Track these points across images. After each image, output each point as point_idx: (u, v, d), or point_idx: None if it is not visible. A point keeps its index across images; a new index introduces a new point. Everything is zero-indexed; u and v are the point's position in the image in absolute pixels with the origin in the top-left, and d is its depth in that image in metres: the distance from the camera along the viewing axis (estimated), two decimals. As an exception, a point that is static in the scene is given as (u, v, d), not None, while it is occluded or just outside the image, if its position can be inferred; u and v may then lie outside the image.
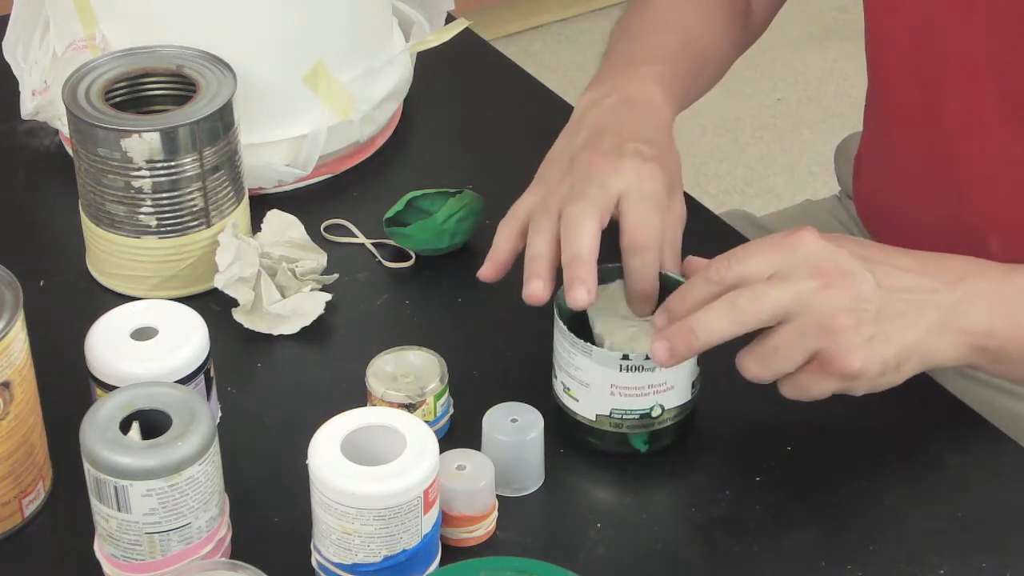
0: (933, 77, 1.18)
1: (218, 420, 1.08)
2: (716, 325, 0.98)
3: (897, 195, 1.27)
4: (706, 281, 0.99)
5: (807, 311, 0.97)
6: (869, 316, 0.98)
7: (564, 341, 1.03)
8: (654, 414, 1.04)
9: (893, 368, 1.00)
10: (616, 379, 1.02)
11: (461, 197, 1.22)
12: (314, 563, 0.97)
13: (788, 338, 0.97)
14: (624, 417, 1.03)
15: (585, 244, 1.02)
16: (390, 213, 1.23)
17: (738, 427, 1.09)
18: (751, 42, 1.36)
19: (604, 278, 1.05)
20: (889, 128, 1.27)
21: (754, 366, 0.99)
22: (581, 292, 1.01)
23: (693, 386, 1.05)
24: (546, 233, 1.04)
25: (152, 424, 0.94)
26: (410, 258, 1.24)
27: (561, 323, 1.04)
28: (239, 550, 0.99)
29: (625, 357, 1.01)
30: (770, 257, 0.98)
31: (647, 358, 1.01)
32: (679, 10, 1.26)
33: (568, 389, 1.05)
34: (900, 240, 1.09)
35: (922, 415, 1.10)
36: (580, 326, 1.04)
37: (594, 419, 1.04)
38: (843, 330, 0.97)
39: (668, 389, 1.03)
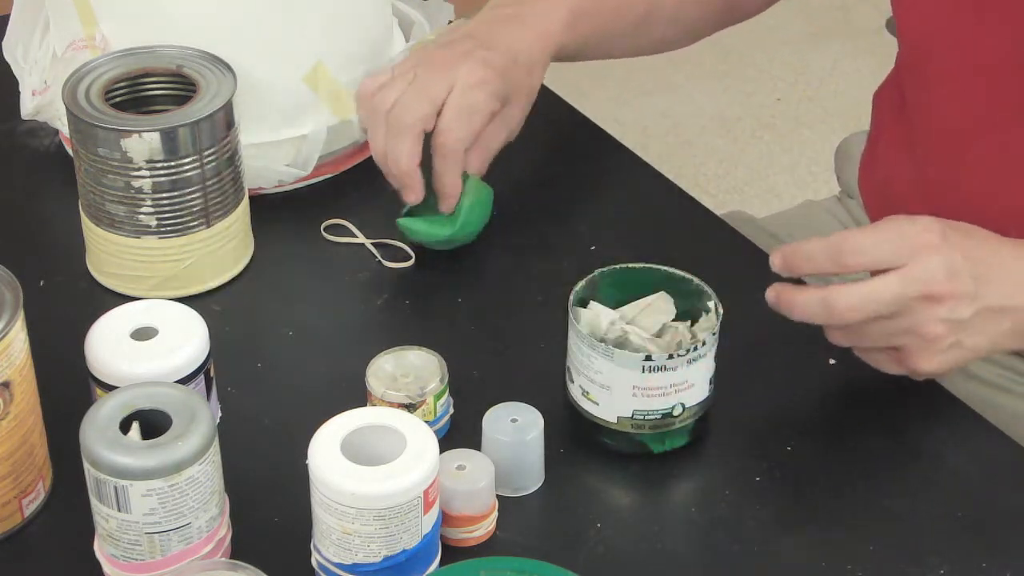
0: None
1: (218, 420, 1.08)
2: (811, 311, 1.03)
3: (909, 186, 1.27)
4: (833, 263, 1.02)
5: (908, 316, 1.01)
6: (959, 329, 1.02)
7: (582, 345, 1.03)
8: (675, 413, 1.04)
9: (958, 366, 1.05)
10: (638, 380, 1.02)
11: (471, 181, 1.22)
12: (314, 563, 0.97)
13: (883, 330, 1.02)
14: (646, 418, 1.03)
15: (403, 160, 1.16)
16: (403, 212, 1.22)
17: (738, 428, 1.09)
18: (736, 18, 1.37)
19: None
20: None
21: (840, 337, 1.05)
22: (411, 197, 1.18)
23: (710, 383, 1.05)
24: (382, 128, 1.18)
25: (152, 424, 0.94)
26: (410, 258, 1.24)
27: (578, 326, 1.03)
28: (239, 550, 0.99)
29: (648, 358, 1.01)
30: (896, 255, 1.01)
31: (669, 357, 1.01)
32: None
33: (587, 393, 1.04)
34: None
35: (922, 415, 1.10)
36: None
37: (615, 421, 1.04)
38: (933, 339, 1.02)
39: (689, 387, 1.03)
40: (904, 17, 1.23)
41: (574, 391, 1.06)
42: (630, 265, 1.08)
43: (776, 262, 1.05)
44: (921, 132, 1.25)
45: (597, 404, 1.04)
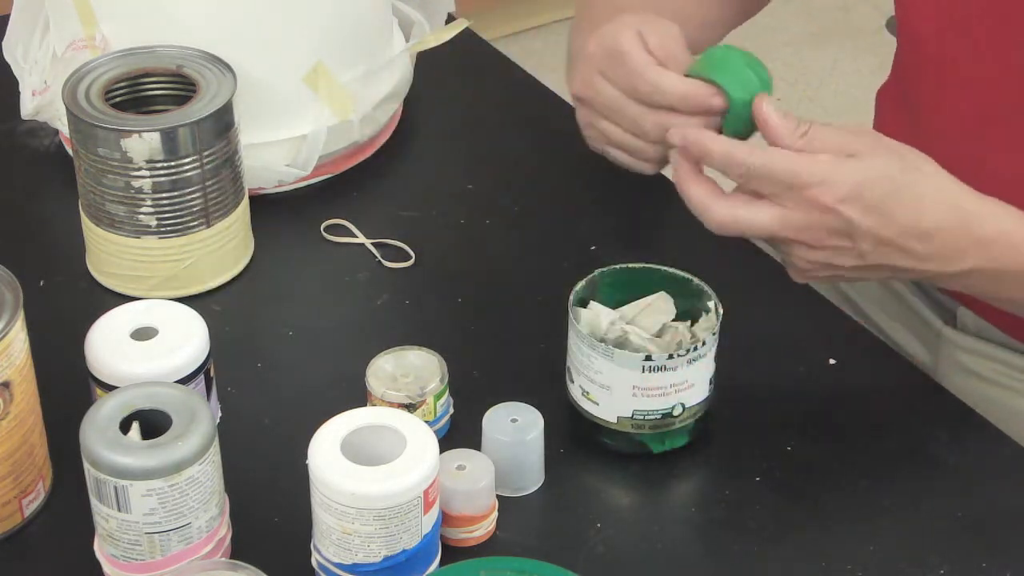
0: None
1: (218, 420, 1.08)
2: (709, 213, 1.02)
3: None
4: (725, 169, 1.01)
5: (782, 245, 1.02)
6: (834, 268, 1.01)
7: (582, 345, 1.03)
8: (675, 413, 1.04)
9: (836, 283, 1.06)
10: (638, 380, 1.02)
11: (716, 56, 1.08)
12: (314, 563, 0.97)
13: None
14: (646, 418, 1.03)
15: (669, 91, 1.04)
16: None
17: (738, 427, 1.09)
18: (755, 10, 1.36)
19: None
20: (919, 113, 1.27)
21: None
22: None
23: (710, 383, 1.05)
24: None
25: (152, 424, 0.94)
26: (410, 258, 1.24)
27: (578, 326, 1.03)
28: (239, 550, 0.99)
29: (648, 358, 1.01)
30: (786, 192, 0.99)
31: (669, 357, 1.01)
32: None
33: (587, 393, 1.04)
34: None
35: (922, 415, 1.10)
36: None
37: (615, 421, 1.04)
38: (802, 269, 1.02)
39: (689, 387, 1.03)
40: (911, 15, 1.23)
41: (574, 391, 1.06)
42: (630, 265, 1.08)
43: (675, 138, 1.02)
44: (926, 130, 1.25)
45: (597, 404, 1.04)
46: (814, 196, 0.98)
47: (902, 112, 1.29)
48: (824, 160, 0.99)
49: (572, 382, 1.06)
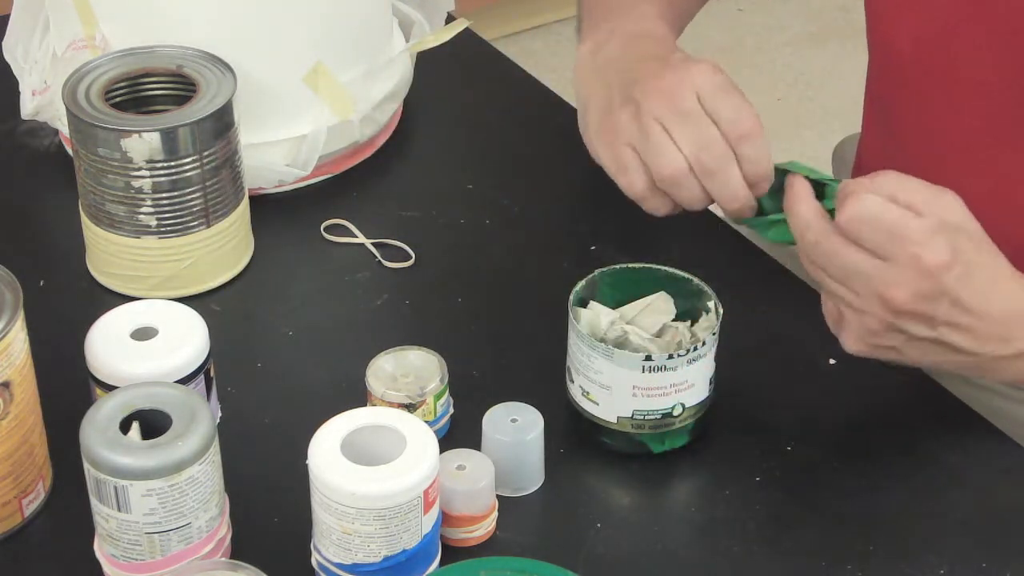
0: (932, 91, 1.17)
1: (218, 420, 1.08)
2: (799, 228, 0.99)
3: None
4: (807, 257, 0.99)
5: (861, 296, 0.98)
6: (903, 340, 0.99)
7: (582, 344, 1.03)
8: (675, 413, 1.04)
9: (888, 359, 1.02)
10: (638, 380, 1.02)
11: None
12: (314, 563, 0.97)
13: (836, 276, 0.99)
14: (646, 418, 1.03)
15: (746, 124, 1.02)
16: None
17: (738, 427, 1.09)
18: None
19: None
20: (892, 135, 1.27)
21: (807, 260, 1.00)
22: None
23: (710, 383, 1.05)
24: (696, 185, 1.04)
25: (152, 424, 0.94)
26: (410, 258, 1.24)
27: (578, 326, 1.03)
28: (239, 550, 0.99)
29: (648, 358, 1.01)
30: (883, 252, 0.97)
31: (669, 357, 1.01)
32: None
33: (587, 393, 1.04)
34: None
35: (922, 415, 1.10)
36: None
37: (615, 421, 1.04)
38: (871, 331, 0.99)
39: (689, 387, 1.03)
40: (891, 33, 1.22)
41: (574, 391, 1.06)
42: (630, 265, 1.08)
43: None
44: (905, 144, 1.24)
45: (597, 404, 1.04)
46: (916, 255, 0.96)
47: (882, 126, 1.29)
48: (930, 222, 0.96)
49: (572, 382, 1.06)
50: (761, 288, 1.18)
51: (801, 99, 3.08)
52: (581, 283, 1.06)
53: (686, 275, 1.07)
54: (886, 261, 0.97)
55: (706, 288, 1.06)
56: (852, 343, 1.01)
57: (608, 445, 1.05)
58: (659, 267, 1.08)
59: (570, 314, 1.04)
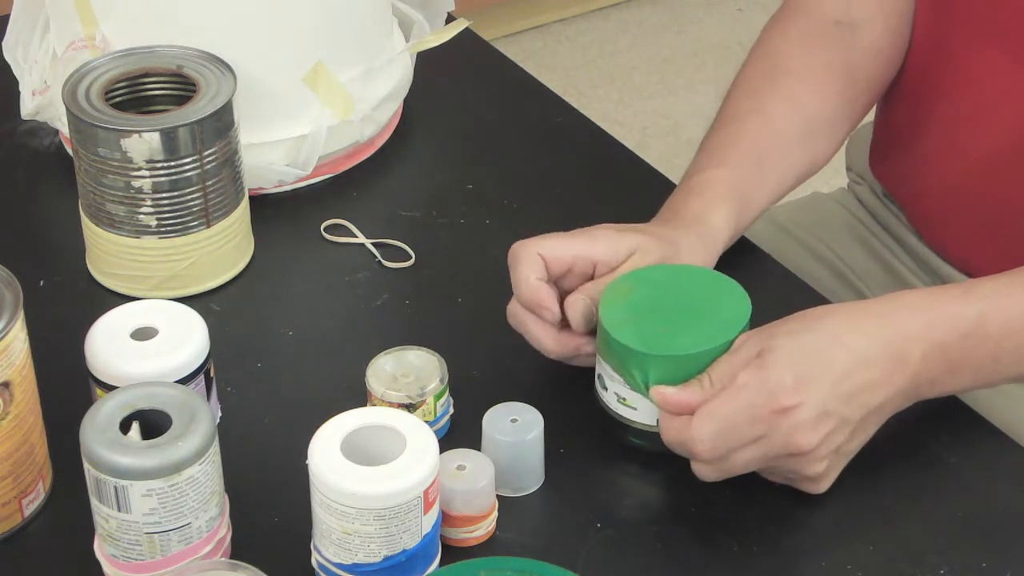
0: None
1: (218, 420, 1.08)
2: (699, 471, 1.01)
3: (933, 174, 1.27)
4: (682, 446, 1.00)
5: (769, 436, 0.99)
6: (835, 448, 1.00)
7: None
8: None
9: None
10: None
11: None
12: (314, 563, 0.97)
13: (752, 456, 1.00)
14: None
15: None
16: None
17: (738, 427, 1.09)
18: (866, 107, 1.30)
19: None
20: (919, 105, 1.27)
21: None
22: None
23: None
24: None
25: (152, 424, 0.94)
26: (410, 258, 1.24)
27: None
28: (239, 550, 0.99)
29: None
30: (753, 433, 0.98)
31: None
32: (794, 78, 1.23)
33: (624, 399, 1.04)
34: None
35: (922, 415, 1.10)
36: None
37: (655, 424, 1.04)
38: (808, 449, 0.99)
39: None
40: None
41: (608, 399, 1.05)
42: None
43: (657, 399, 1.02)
44: (930, 110, 1.24)
45: (635, 409, 1.04)
46: (775, 406, 0.97)
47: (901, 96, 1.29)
48: (749, 378, 0.98)
49: (606, 389, 1.05)
50: (761, 288, 1.17)
51: (801, 99, 3.07)
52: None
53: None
54: (765, 438, 0.98)
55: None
56: (817, 485, 1.02)
57: (638, 445, 1.05)
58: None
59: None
